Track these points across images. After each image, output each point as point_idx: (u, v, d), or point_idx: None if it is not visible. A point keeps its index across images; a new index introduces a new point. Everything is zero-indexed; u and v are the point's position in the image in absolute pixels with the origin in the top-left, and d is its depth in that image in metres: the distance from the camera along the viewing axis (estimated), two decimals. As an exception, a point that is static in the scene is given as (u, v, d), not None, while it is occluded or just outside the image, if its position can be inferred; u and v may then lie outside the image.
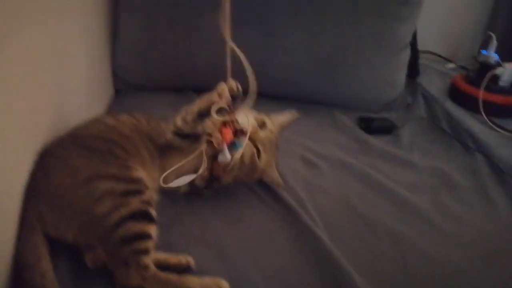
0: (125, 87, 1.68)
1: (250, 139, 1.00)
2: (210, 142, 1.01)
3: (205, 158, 1.01)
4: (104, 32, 1.58)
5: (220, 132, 0.96)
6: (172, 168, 1.00)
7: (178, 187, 1.02)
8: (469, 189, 1.33)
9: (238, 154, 0.97)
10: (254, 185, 1.18)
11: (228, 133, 0.95)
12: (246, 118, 0.97)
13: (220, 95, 0.97)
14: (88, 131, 1.02)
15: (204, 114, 0.99)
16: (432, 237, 1.11)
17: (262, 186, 1.18)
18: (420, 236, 1.10)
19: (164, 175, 1.00)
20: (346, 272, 0.92)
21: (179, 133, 1.02)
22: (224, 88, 0.97)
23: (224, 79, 1.03)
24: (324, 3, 1.59)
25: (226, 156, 0.96)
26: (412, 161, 1.43)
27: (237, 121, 0.96)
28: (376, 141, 1.52)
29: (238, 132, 0.96)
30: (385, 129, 1.60)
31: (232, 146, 0.97)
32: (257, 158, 1.05)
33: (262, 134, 1.07)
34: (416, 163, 1.42)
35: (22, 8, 0.87)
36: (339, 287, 0.90)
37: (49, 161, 0.92)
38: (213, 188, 1.09)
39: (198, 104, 1.00)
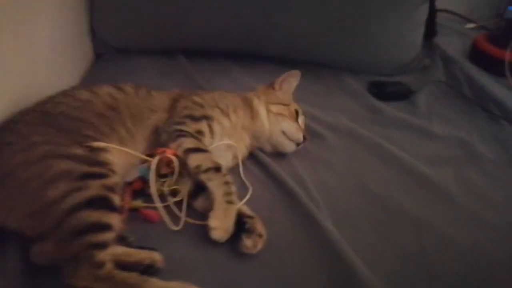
0: (107, 50, 1.50)
1: None
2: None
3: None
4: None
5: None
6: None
7: None
8: (496, 162, 1.16)
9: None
10: (246, 161, 1.03)
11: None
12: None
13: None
14: (57, 108, 0.88)
15: None
16: (455, 217, 0.96)
17: (257, 161, 1.04)
18: (441, 217, 0.94)
19: None
20: (352, 264, 0.77)
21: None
22: None
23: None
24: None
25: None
26: (431, 130, 1.26)
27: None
28: (389, 108, 1.34)
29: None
30: (400, 94, 1.42)
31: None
32: None
33: None
34: (436, 133, 1.25)
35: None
36: (345, 281, 0.76)
37: (5, 136, 0.78)
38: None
39: None
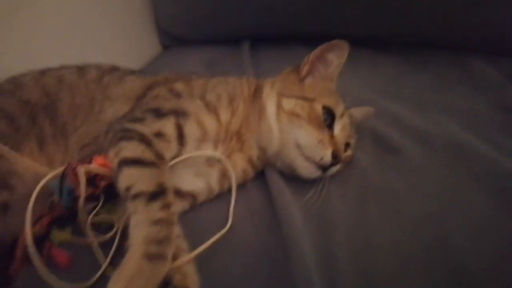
0: (171, 42, 1.33)
1: None
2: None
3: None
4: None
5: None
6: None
7: None
8: None
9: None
10: (253, 183, 0.67)
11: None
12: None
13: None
14: None
15: None
16: None
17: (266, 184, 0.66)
18: None
19: None
20: None
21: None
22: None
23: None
24: None
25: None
26: None
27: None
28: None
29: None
30: None
31: None
32: None
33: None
34: None
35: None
36: None
37: None
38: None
39: None
